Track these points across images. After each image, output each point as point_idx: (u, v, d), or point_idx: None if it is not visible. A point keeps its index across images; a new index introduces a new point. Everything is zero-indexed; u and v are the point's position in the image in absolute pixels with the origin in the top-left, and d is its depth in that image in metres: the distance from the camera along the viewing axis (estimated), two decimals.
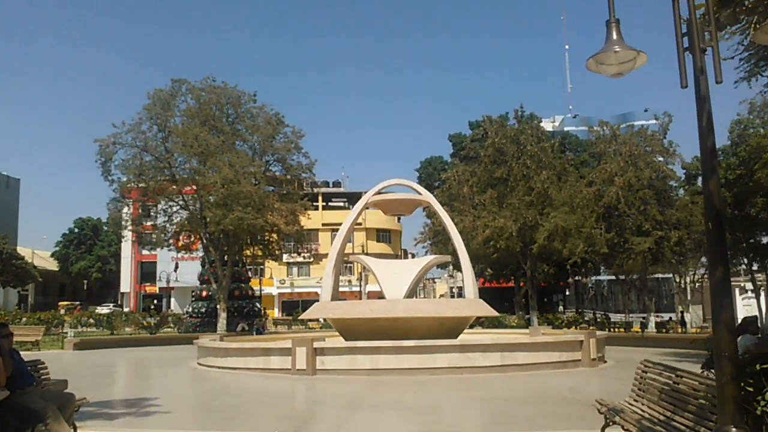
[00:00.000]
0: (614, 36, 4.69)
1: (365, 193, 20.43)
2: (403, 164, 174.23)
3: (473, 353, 13.97)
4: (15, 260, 49.68)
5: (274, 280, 60.82)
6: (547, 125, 58.86)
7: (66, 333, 28.28)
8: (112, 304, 64.25)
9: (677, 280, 37.32)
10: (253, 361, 15.07)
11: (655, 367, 6.32)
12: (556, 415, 8.91)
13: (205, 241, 31.62)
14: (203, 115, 30.23)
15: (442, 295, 76.23)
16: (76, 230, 77.19)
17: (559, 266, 40.57)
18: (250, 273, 39.23)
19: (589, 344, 15.08)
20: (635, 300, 43.78)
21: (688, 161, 31.69)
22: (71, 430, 6.29)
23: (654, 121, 33.50)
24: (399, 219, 59.05)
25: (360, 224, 47.24)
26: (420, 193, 20.27)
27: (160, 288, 62.60)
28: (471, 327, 20.73)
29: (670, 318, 36.31)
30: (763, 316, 31.49)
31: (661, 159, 30.66)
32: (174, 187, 31.02)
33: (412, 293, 18.25)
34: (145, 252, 54.97)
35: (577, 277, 50.96)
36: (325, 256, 28.84)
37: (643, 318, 33.97)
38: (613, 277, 40.41)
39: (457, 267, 32.96)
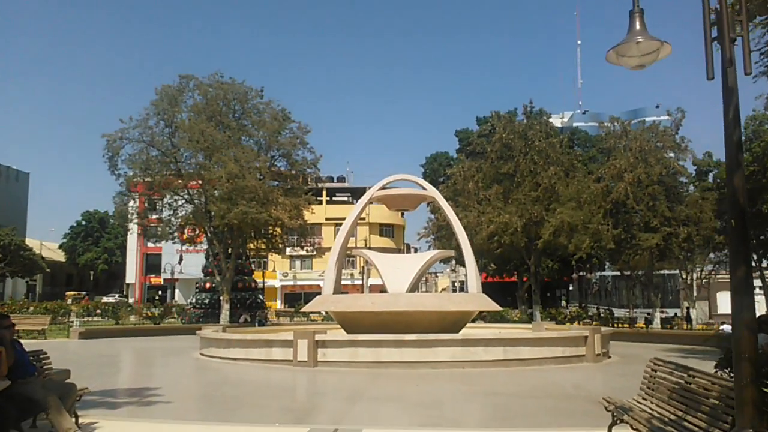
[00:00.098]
0: (637, 26, 4.54)
1: (369, 188, 20.35)
2: (408, 160, 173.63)
3: (475, 347, 13.93)
4: (23, 251, 50.21)
5: (278, 273, 61.07)
6: (556, 121, 58.53)
7: (72, 322, 28.52)
8: (117, 295, 64.87)
9: (683, 276, 37.10)
10: (255, 353, 15.08)
11: (665, 365, 6.19)
12: (560, 411, 8.81)
13: (209, 235, 31.70)
14: (210, 111, 30.20)
15: (444, 289, 76.28)
16: (84, 223, 78.30)
17: (563, 261, 40.43)
18: (253, 266, 39.34)
19: (593, 340, 14.97)
20: (640, 296, 43.64)
21: (699, 157, 31.46)
22: (72, 419, 6.28)
23: (666, 117, 33.28)
24: (402, 214, 58.95)
25: (363, 219, 47.15)
26: (425, 188, 20.15)
27: (164, 279, 63.12)
28: (473, 321, 20.68)
29: (675, 314, 36.17)
30: None
31: (672, 155, 30.44)
32: (179, 181, 31.13)
33: (414, 287, 18.20)
34: (150, 244, 55.23)
35: (581, 273, 50.79)
36: (328, 249, 28.84)
37: (648, 314, 33.86)
38: (618, 273, 40.23)
39: (460, 262, 32.91)
